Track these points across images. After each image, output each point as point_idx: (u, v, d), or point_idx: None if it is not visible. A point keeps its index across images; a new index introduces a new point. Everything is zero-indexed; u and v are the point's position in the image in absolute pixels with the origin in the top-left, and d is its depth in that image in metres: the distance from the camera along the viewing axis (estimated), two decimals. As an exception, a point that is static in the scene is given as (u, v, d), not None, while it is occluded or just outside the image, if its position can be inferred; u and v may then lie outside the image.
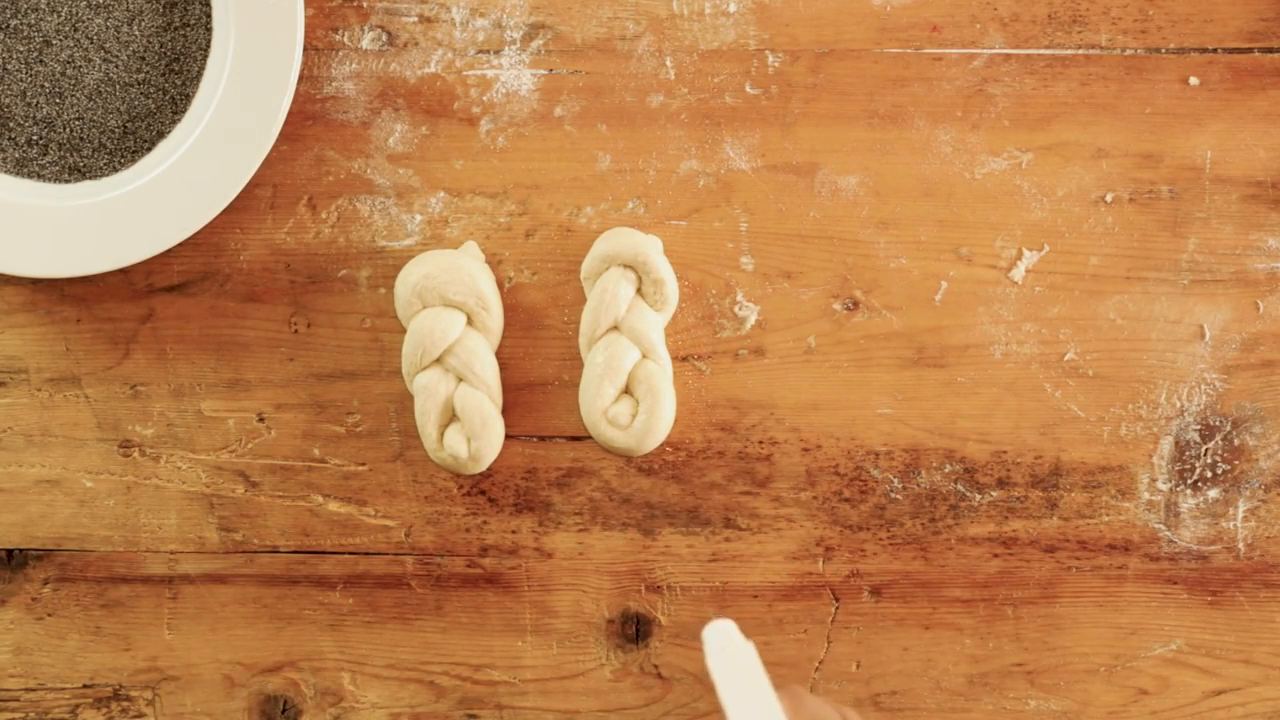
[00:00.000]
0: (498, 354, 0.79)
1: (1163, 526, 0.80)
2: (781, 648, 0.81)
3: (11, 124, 0.77)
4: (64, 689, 0.82)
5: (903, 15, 0.79)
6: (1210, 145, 0.79)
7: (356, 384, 0.81)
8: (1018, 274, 0.80)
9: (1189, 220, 0.80)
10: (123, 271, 0.80)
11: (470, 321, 0.78)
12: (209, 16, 0.77)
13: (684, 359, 0.80)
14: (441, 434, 0.78)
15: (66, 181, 0.78)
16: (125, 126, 0.78)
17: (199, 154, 0.77)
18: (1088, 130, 0.79)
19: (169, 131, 0.78)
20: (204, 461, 0.81)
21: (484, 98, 0.80)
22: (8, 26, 0.77)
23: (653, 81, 0.80)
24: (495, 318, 0.79)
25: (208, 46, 0.77)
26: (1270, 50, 0.79)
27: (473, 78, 0.80)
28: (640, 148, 0.80)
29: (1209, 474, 0.80)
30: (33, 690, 0.82)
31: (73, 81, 0.77)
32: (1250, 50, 0.79)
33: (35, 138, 0.78)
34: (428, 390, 0.78)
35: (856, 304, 0.80)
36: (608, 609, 0.82)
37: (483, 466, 0.79)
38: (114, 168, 0.78)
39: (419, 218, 0.80)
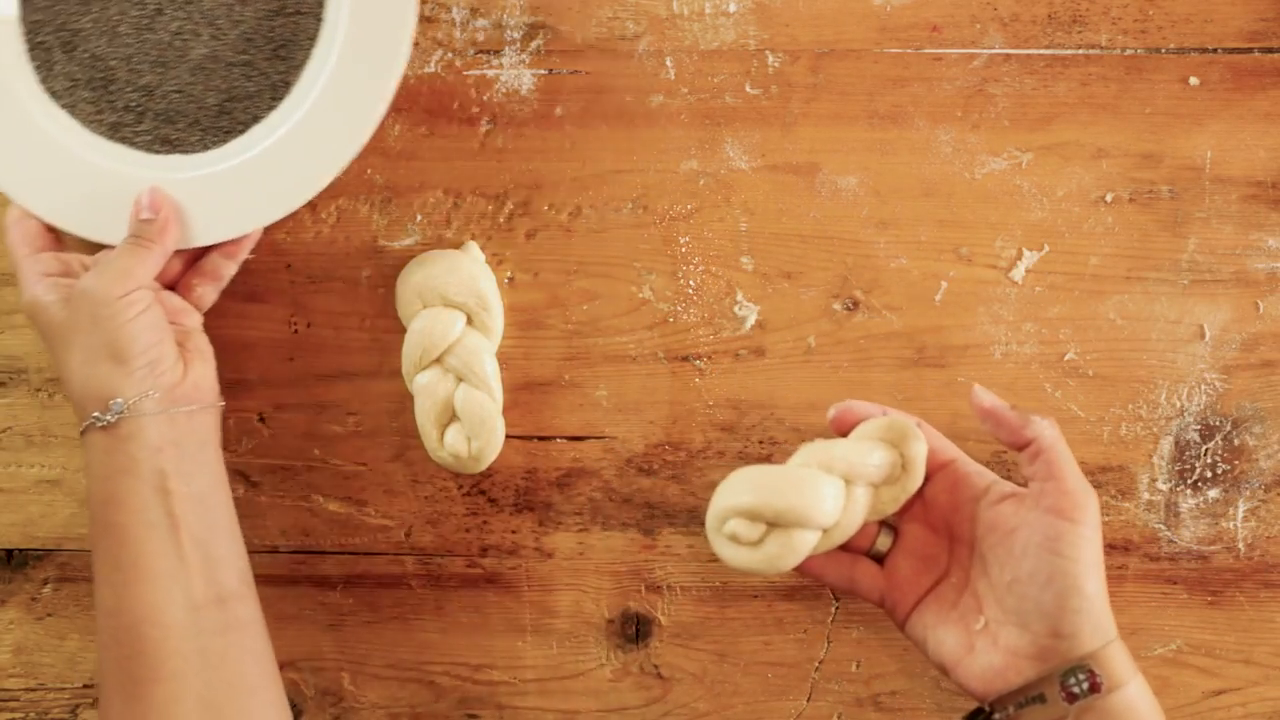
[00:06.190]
0: (498, 354, 0.79)
1: (1163, 526, 0.80)
2: (781, 648, 0.81)
3: (113, 87, 0.76)
4: (64, 689, 0.82)
5: (903, 15, 0.79)
6: (1210, 145, 0.79)
7: (356, 384, 0.81)
8: (1018, 274, 0.80)
9: (1189, 220, 0.79)
10: (123, 271, 0.80)
11: (470, 321, 0.78)
12: (321, 6, 0.76)
13: (684, 359, 0.80)
14: (441, 434, 0.78)
15: (157, 152, 0.77)
16: (222, 105, 0.77)
17: (290, 144, 0.76)
18: (1088, 130, 0.79)
19: (264, 116, 0.77)
20: (204, 461, 0.81)
21: (484, 98, 0.80)
22: None
23: (653, 81, 0.80)
24: (495, 318, 0.79)
25: (315, 36, 0.76)
26: (1270, 50, 0.79)
27: (473, 78, 0.80)
28: (640, 148, 0.80)
29: (1209, 474, 0.80)
30: (33, 690, 0.82)
31: (179, 53, 0.76)
32: (1250, 50, 0.79)
33: (133, 104, 0.76)
34: (428, 390, 0.78)
35: (856, 304, 0.80)
36: (608, 609, 0.81)
37: (483, 466, 0.79)
38: (205, 145, 0.77)
39: (419, 218, 0.80)
